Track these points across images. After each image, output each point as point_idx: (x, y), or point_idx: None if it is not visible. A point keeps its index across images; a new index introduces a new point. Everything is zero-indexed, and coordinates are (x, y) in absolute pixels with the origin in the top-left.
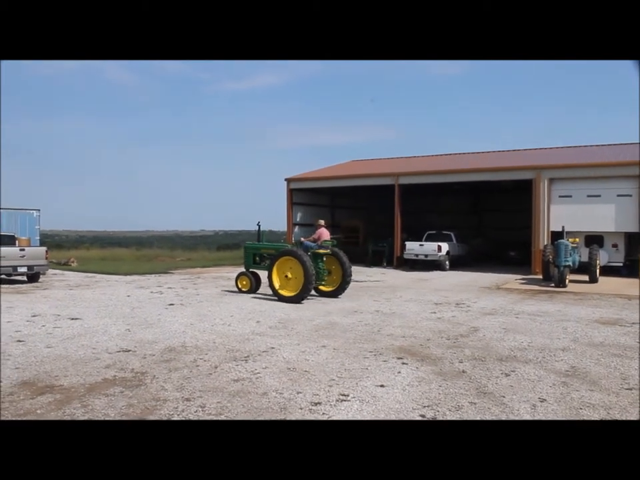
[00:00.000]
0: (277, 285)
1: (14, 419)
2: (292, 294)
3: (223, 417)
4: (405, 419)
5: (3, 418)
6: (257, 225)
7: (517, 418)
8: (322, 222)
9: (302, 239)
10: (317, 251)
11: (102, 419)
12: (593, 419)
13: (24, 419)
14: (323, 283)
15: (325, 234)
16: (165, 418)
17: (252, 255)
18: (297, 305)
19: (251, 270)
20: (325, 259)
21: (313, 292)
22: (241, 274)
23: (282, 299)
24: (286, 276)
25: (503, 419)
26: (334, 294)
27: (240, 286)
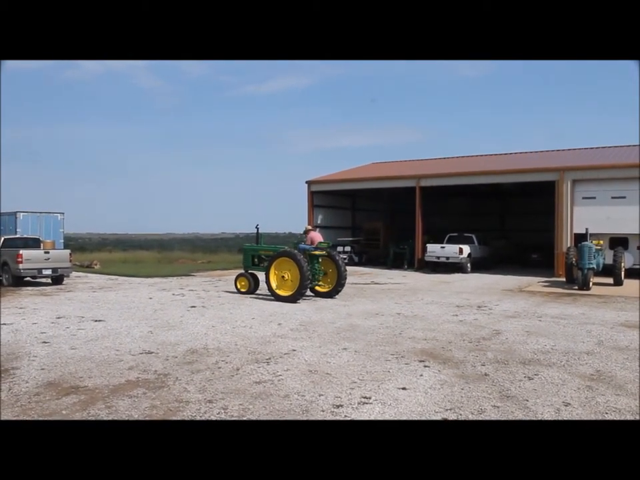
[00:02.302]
0: (274, 284)
1: (14, 418)
2: (288, 293)
3: (244, 419)
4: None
5: (4, 418)
6: (256, 227)
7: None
8: (309, 226)
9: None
10: (313, 252)
11: (102, 419)
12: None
13: (24, 419)
14: (319, 283)
15: (317, 236)
16: (187, 419)
17: (251, 256)
18: (318, 307)
19: (249, 271)
20: (320, 260)
21: (308, 292)
22: (240, 275)
23: (278, 298)
24: (283, 276)
25: (505, 419)
26: (329, 294)
27: (239, 286)
